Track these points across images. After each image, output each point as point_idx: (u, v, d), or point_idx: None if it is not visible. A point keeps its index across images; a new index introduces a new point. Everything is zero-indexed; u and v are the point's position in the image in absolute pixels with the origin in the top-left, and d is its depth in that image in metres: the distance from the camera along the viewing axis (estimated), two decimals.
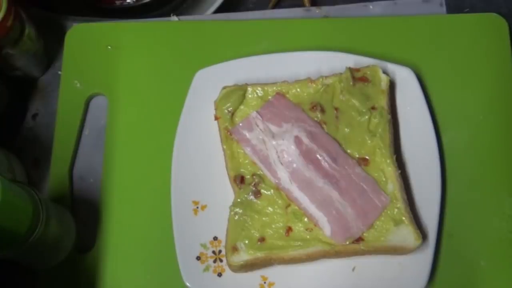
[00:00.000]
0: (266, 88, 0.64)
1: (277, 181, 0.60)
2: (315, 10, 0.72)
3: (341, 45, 0.68)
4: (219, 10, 0.74)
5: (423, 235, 0.59)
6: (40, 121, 0.70)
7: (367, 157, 0.61)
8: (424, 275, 0.59)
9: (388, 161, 0.60)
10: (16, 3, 0.64)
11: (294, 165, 0.60)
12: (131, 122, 0.67)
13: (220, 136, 0.63)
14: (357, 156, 0.61)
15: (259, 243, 0.58)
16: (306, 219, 0.59)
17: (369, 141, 0.61)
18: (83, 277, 0.62)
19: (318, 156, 0.61)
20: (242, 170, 0.61)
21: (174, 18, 0.72)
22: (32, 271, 0.62)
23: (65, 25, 0.73)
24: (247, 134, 0.62)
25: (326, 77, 0.64)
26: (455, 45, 0.69)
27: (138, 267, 0.62)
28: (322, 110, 0.62)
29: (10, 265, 0.62)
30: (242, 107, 0.63)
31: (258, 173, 0.61)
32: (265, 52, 0.67)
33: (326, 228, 0.58)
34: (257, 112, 0.63)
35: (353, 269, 0.60)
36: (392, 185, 0.60)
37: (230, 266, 0.59)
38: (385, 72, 0.64)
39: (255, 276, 0.60)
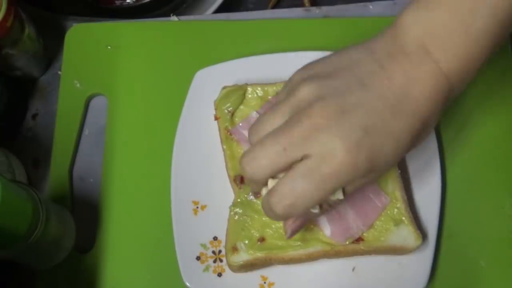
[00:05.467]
0: (266, 88, 0.64)
1: None
2: (315, 10, 0.72)
3: (341, 45, 0.66)
4: (219, 10, 0.74)
5: (423, 235, 0.59)
6: (40, 121, 0.70)
7: None
8: (424, 275, 0.58)
9: None
10: (16, 3, 0.64)
11: None
12: (131, 122, 0.67)
13: (220, 136, 0.63)
14: None
15: (259, 243, 0.58)
16: None
17: None
18: (83, 277, 0.62)
19: None
20: None
21: (174, 18, 0.72)
22: (32, 271, 0.62)
23: (65, 25, 0.72)
24: (247, 134, 0.62)
25: None
26: None
27: (138, 267, 0.62)
28: None
29: (10, 265, 0.62)
30: (242, 107, 0.63)
31: None
32: (265, 52, 0.67)
33: (326, 228, 0.58)
34: (257, 112, 0.63)
35: (353, 269, 0.59)
36: (392, 185, 0.60)
37: (230, 266, 0.59)
38: None
39: (255, 276, 0.60)
